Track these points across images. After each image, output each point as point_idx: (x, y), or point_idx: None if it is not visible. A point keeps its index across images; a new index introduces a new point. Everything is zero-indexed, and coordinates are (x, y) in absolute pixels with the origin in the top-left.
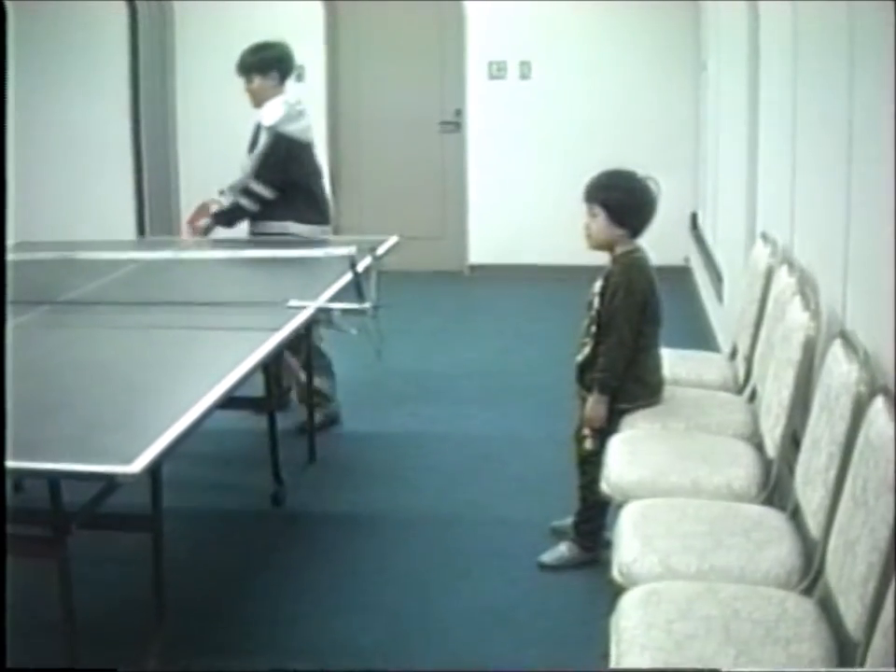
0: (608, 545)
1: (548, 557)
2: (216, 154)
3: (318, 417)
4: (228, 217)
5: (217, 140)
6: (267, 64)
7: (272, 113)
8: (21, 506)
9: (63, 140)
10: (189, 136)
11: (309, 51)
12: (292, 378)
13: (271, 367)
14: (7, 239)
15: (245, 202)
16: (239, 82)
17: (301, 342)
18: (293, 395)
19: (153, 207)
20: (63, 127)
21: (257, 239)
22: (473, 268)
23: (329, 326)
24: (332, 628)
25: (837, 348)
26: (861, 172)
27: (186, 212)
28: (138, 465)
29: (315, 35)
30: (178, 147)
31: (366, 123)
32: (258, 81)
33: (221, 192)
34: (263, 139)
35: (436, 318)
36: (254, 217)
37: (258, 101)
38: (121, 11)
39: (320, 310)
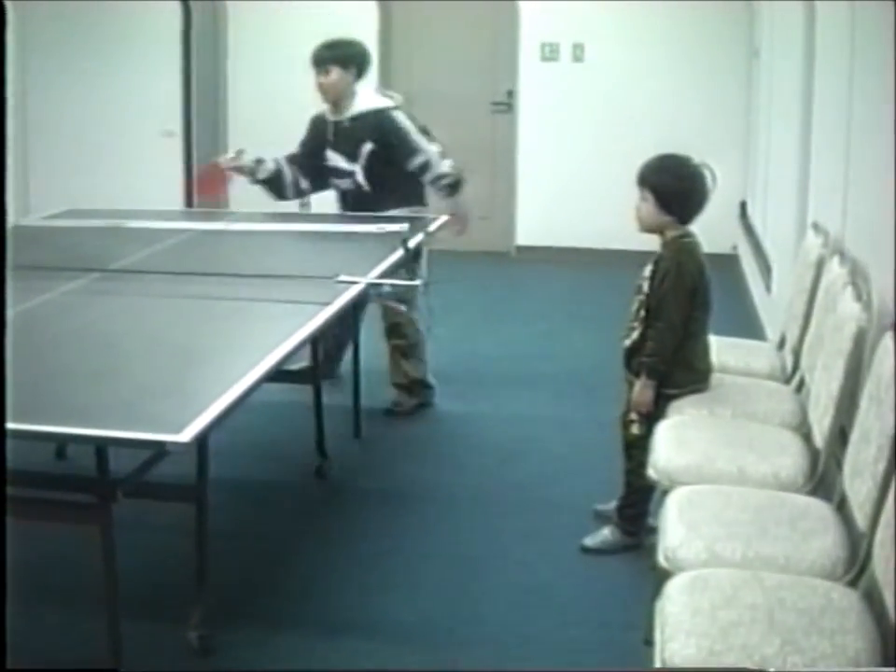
0: (651, 531)
1: (591, 541)
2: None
3: (412, 401)
4: (459, 186)
5: (265, 124)
6: (349, 59)
7: (376, 98)
8: (65, 473)
9: (119, 123)
10: (238, 119)
11: (363, 28)
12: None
13: (322, 340)
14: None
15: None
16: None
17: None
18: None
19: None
20: (120, 111)
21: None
22: (520, 249)
23: (379, 301)
24: (373, 604)
25: (888, 340)
26: None
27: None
28: (188, 434)
29: (370, 14)
30: (229, 123)
31: (417, 102)
32: (336, 74)
33: (240, 151)
34: (399, 118)
35: (482, 299)
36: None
37: (332, 94)
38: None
39: (371, 285)
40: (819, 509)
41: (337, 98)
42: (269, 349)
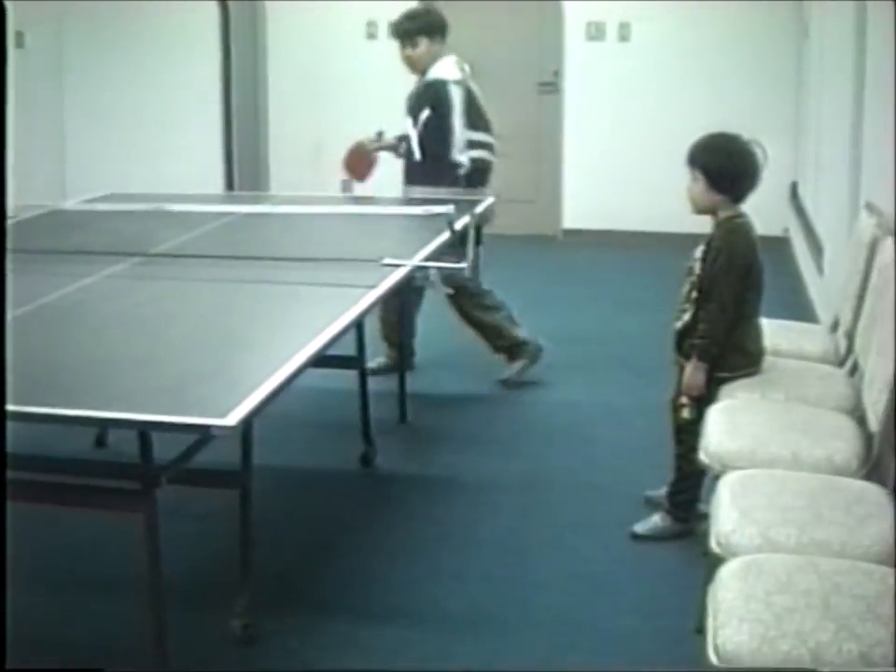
0: (702, 517)
1: (641, 527)
2: (304, 129)
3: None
4: (475, 177)
5: (307, 97)
6: (433, 28)
7: (447, 68)
8: (106, 460)
9: (158, 103)
10: (279, 94)
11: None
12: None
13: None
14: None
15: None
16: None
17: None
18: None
19: (242, 164)
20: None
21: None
22: (567, 232)
23: (424, 284)
24: (420, 592)
25: None
26: None
27: (275, 167)
28: (234, 418)
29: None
30: (269, 105)
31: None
32: (424, 45)
33: (380, 132)
34: (451, 93)
35: (529, 283)
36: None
37: (421, 65)
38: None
39: (416, 268)
40: (874, 493)
41: (424, 67)
42: (314, 333)
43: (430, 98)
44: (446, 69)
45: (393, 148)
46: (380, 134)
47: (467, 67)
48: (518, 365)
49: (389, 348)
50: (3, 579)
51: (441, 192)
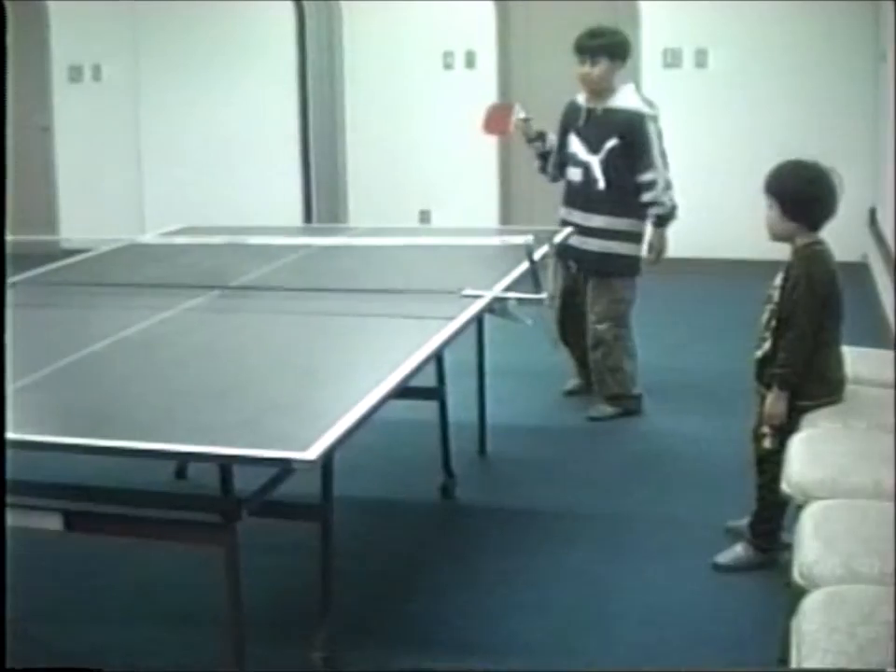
0: (784, 547)
1: (723, 558)
2: (382, 142)
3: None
4: (669, 219)
5: (385, 128)
6: (617, 49)
7: (636, 98)
8: (187, 493)
9: (235, 134)
10: (357, 126)
11: (479, 39)
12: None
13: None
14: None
15: (673, 195)
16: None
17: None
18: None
19: (320, 196)
20: (235, 120)
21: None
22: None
23: (504, 315)
24: (502, 625)
25: None
26: None
27: (354, 199)
28: (314, 451)
29: (487, 27)
30: (346, 138)
31: (536, 111)
32: (604, 65)
33: (526, 119)
34: (649, 128)
35: None
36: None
37: (597, 84)
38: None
39: (495, 299)
40: None
41: (600, 88)
42: (394, 365)
43: (619, 128)
44: (635, 100)
45: (529, 135)
46: (527, 120)
47: (656, 107)
48: (611, 410)
49: (580, 368)
50: (3, 578)
51: (623, 223)
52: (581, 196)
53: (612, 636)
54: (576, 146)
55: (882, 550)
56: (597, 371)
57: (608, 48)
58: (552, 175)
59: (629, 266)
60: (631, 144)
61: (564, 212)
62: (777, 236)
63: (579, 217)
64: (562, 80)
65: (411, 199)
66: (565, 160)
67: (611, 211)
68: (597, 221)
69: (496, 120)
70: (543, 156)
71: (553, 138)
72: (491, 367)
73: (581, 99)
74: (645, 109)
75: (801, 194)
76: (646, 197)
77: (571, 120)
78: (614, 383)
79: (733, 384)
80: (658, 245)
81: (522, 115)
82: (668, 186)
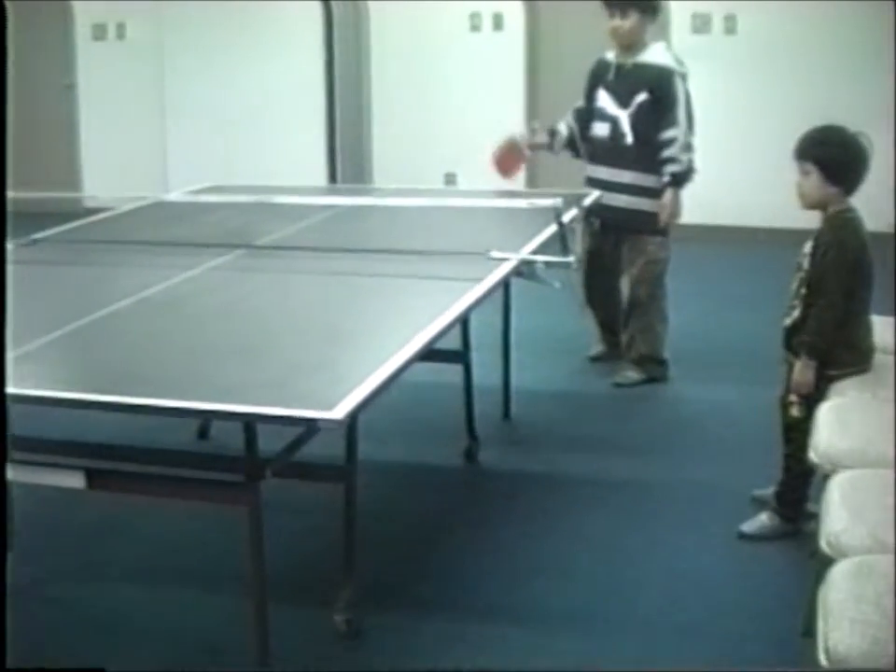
0: (810, 517)
1: (748, 527)
2: (408, 104)
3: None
4: (684, 180)
5: (410, 90)
6: (648, 4)
7: (666, 55)
8: (209, 452)
9: (259, 94)
10: (382, 87)
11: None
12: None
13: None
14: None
15: (693, 157)
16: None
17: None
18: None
19: (345, 157)
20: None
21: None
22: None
23: (532, 278)
24: (522, 589)
25: None
26: None
27: (378, 161)
28: (340, 411)
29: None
30: (372, 99)
31: (564, 73)
32: (635, 18)
33: (534, 129)
34: (678, 85)
35: None
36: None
37: (628, 38)
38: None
39: (523, 262)
40: None
41: (631, 42)
42: (420, 327)
43: (649, 82)
44: (665, 56)
45: (548, 147)
46: (533, 131)
47: (686, 65)
48: (637, 377)
49: (604, 334)
50: (3, 579)
51: (651, 180)
52: (608, 151)
53: (633, 601)
54: (604, 100)
55: None
56: (628, 332)
57: (640, 3)
58: (584, 148)
59: (658, 223)
60: (659, 99)
61: (590, 169)
62: (811, 203)
63: (605, 172)
64: (592, 42)
65: (436, 161)
66: (591, 116)
67: (639, 167)
68: (625, 177)
69: (507, 160)
70: (570, 144)
71: (562, 127)
72: (516, 331)
73: (611, 55)
74: (675, 66)
75: (841, 157)
76: (664, 153)
77: (600, 76)
78: (643, 342)
79: (761, 352)
80: (670, 207)
81: (526, 135)
82: (689, 147)
